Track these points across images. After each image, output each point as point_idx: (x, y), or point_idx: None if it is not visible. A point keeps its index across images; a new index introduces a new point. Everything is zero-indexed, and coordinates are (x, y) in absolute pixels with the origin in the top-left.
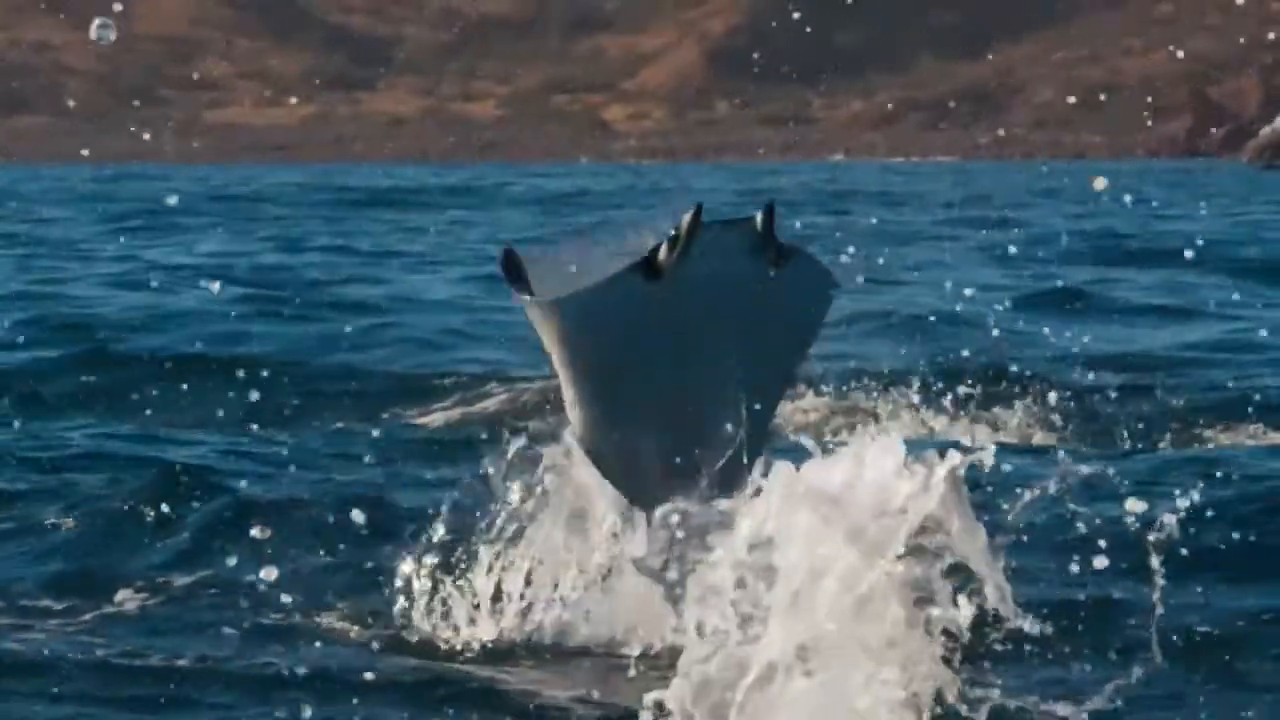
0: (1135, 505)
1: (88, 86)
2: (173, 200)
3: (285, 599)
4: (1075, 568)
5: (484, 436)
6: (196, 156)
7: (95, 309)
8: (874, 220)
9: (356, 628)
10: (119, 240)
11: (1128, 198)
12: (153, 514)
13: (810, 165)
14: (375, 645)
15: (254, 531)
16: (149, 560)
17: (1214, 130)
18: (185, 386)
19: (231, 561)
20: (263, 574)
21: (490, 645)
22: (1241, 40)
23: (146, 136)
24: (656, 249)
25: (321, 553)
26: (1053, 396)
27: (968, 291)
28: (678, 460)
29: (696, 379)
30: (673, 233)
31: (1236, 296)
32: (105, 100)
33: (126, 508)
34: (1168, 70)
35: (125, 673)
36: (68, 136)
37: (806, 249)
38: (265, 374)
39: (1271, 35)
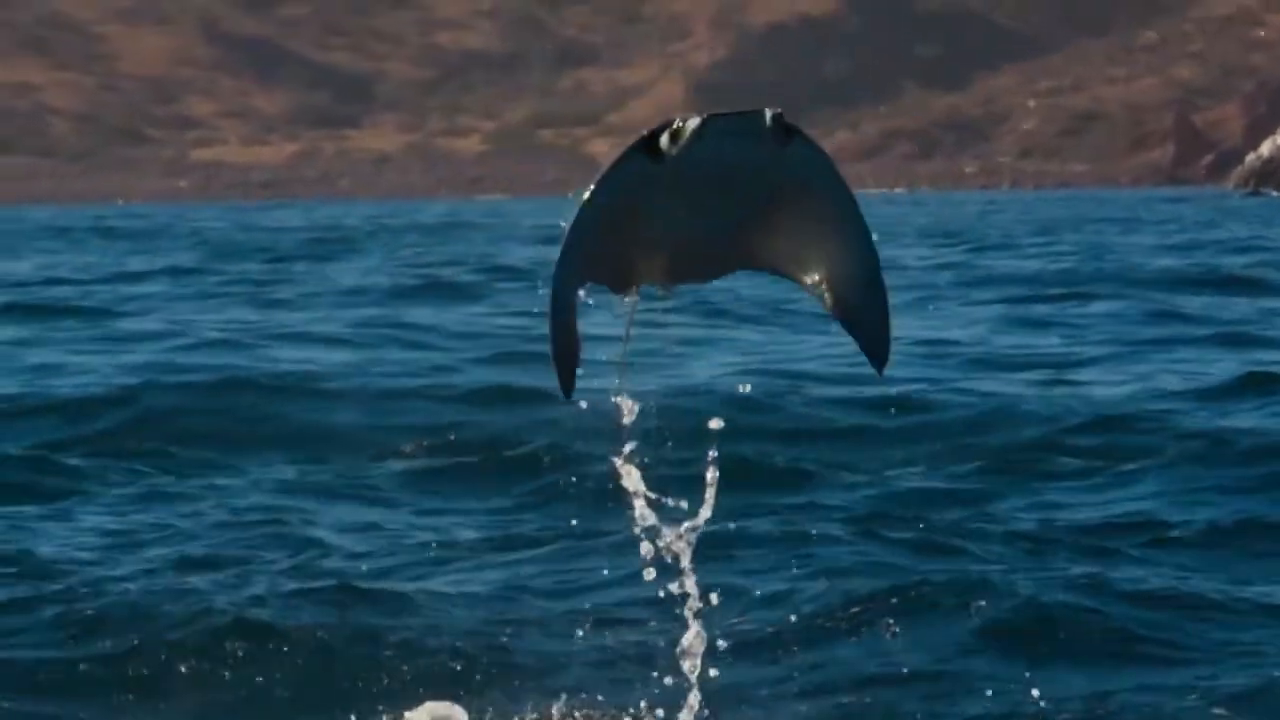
0: None
1: (71, 127)
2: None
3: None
4: None
5: None
6: (183, 195)
7: None
8: None
9: None
10: None
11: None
12: None
13: None
14: None
15: None
16: None
17: (1199, 157)
18: None
19: None
20: None
21: None
22: (1225, 68)
23: (131, 176)
24: (658, 133)
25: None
26: None
27: None
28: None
29: (699, 242)
30: (676, 124)
31: None
32: (88, 140)
33: None
34: (1152, 98)
35: None
36: (51, 178)
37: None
38: None
39: (1253, 61)
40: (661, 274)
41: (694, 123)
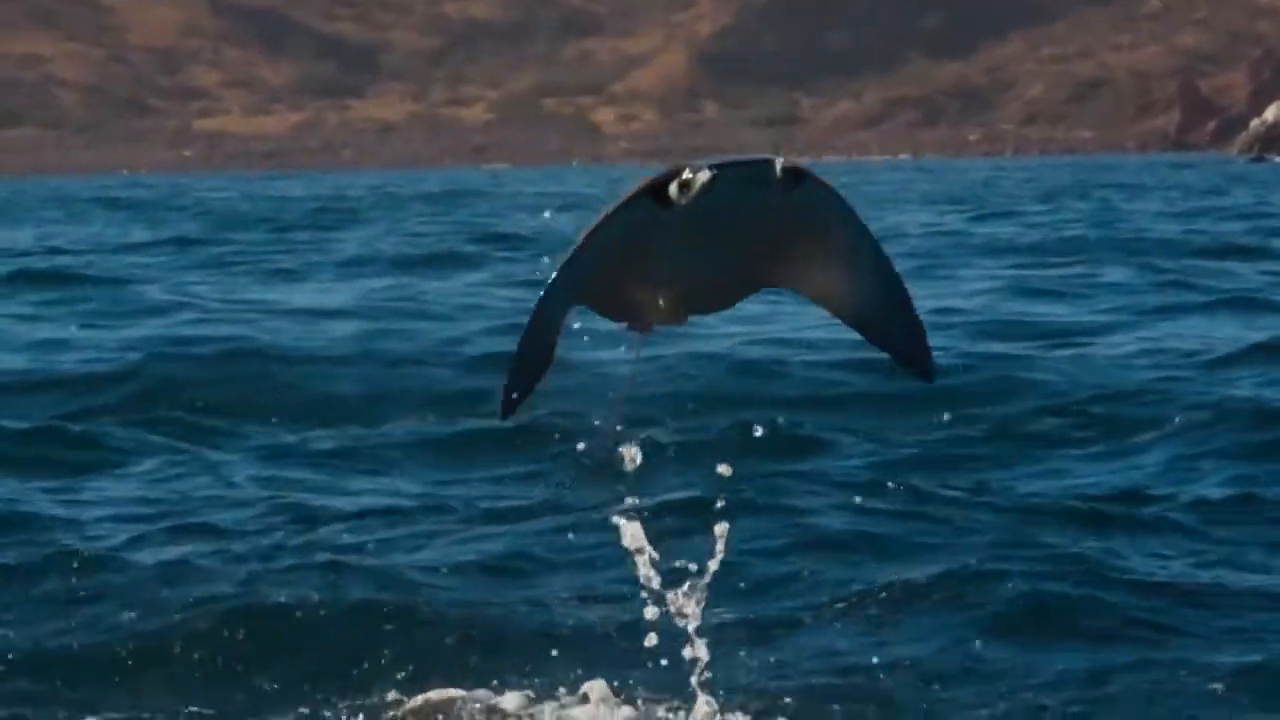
0: None
1: (77, 98)
2: None
3: None
4: None
5: None
6: (187, 165)
7: None
8: None
9: None
10: None
11: None
12: None
13: None
14: None
15: None
16: None
17: (1204, 124)
18: None
19: None
20: None
21: None
22: (1229, 34)
23: (137, 147)
24: (667, 181)
25: None
26: None
27: None
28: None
29: (708, 279)
30: (686, 174)
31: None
32: (95, 111)
33: None
34: (1157, 65)
35: None
36: (57, 149)
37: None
38: None
39: (1259, 28)
40: (672, 308)
41: (704, 175)
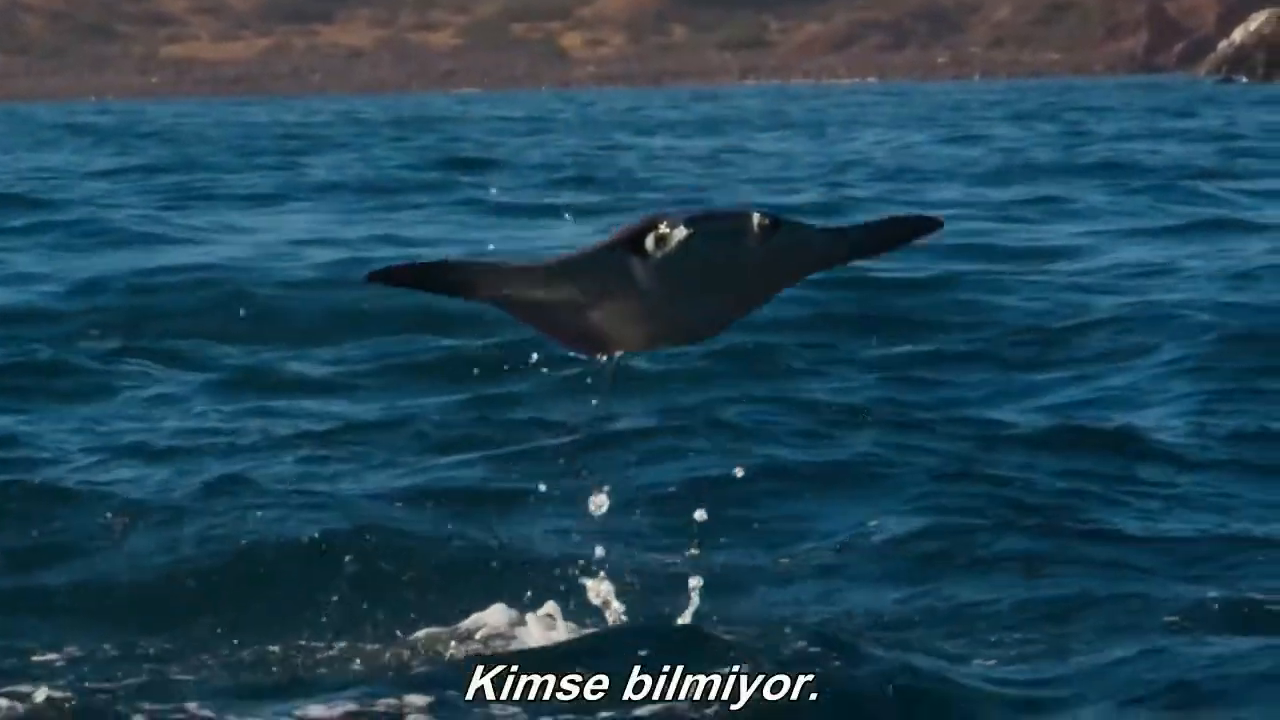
0: None
1: (43, 23)
2: None
3: None
4: None
5: None
6: (155, 91)
7: None
8: None
9: None
10: None
11: None
12: None
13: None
14: None
15: None
16: None
17: (1171, 45)
18: None
19: None
20: None
21: None
22: None
23: (105, 73)
24: (642, 233)
25: None
26: None
27: None
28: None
29: (682, 319)
30: (662, 229)
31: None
32: (62, 37)
33: None
34: None
35: None
36: (24, 75)
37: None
38: None
39: None
40: (644, 342)
41: (680, 232)
